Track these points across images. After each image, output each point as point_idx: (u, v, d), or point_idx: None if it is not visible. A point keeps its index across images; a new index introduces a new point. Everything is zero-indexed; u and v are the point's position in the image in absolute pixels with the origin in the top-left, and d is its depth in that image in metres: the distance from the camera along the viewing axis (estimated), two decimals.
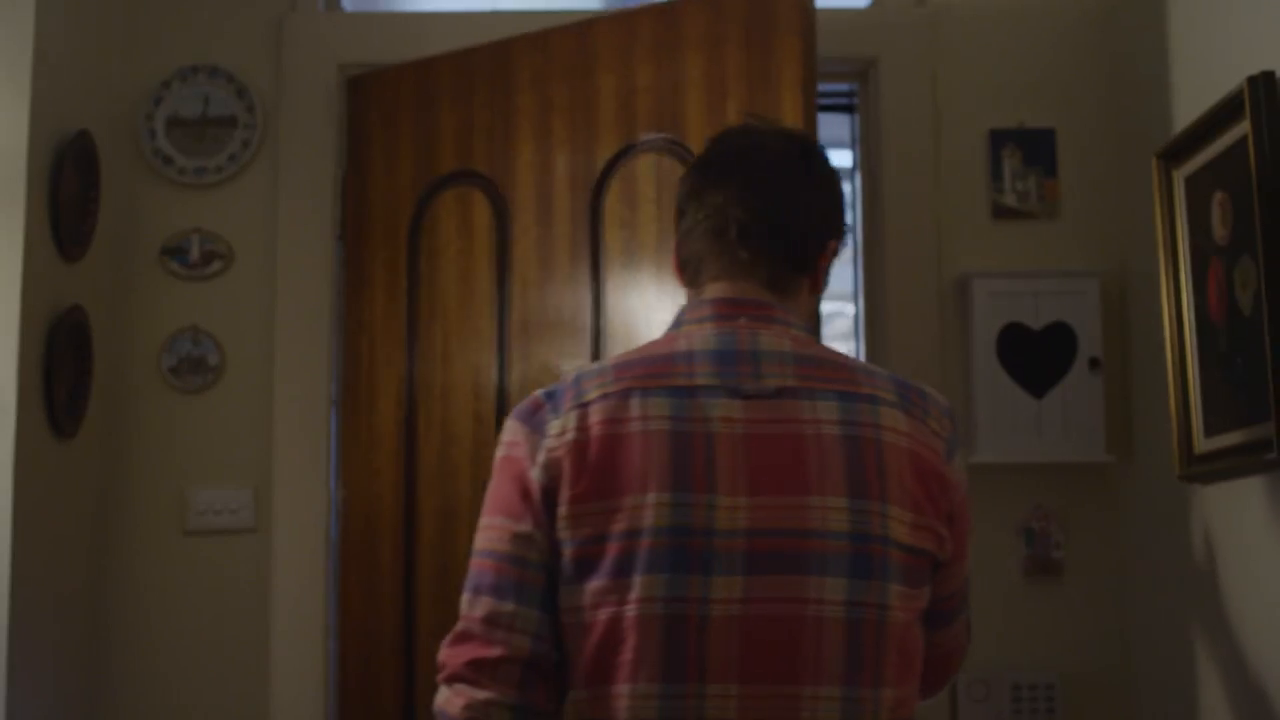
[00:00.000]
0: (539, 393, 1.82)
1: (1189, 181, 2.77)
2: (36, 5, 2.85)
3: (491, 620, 1.72)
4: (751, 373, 1.76)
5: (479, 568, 1.75)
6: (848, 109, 3.48)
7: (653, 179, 2.92)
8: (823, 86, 3.46)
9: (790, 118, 2.71)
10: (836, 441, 1.73)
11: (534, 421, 1.78)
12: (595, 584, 1.70)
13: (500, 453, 1.80)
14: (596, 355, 2.93)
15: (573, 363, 2.92)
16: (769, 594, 1.68)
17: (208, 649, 3.17)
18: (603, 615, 1.70)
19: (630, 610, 1.69)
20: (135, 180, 3.29)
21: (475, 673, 1.70)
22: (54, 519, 2.94)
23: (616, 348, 2.85)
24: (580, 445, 1.73)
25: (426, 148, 3.21)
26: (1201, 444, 2.74)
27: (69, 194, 2.96)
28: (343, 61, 3.34)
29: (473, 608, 1.74)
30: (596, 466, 1.72)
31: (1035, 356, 3.13)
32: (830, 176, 1.93)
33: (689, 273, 1.90)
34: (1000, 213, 3.23)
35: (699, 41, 2.90)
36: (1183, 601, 2.91)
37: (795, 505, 1.70)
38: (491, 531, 1.76)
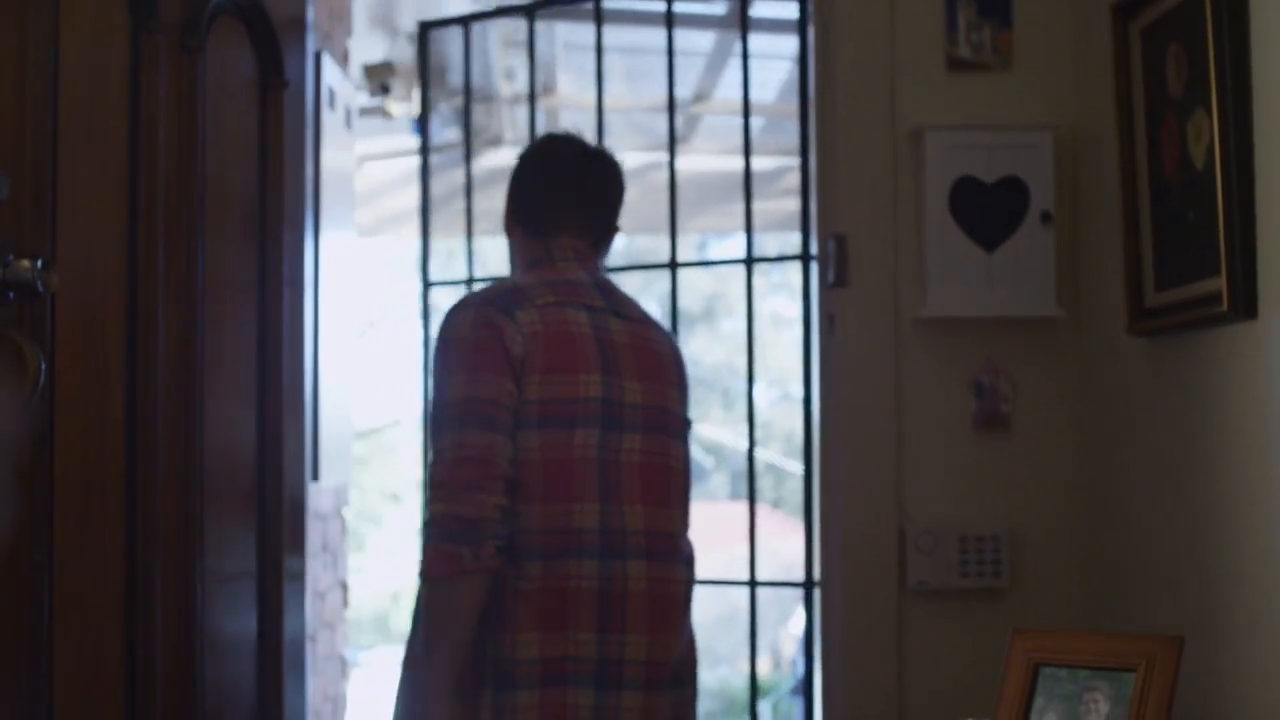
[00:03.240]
0: (488, 291, 2.62)
1: (1145, 34, 2.75)
2: None
3: (489, 447, 2.48)
4: (620, 302, 2.70)
5: (474, 411, 2.50)
6: None
7: None
8: None
9: None
10: (666, 353, 2.73)
11: (507, 310, 2.55)
12: (552, 432, 2.53)
13: (474, 330, 2.54)
14: None
15: None
16: (653, 448, 2.62)
17: None
18: (557, 455, 2.53)
19: (576, 453, 2.54)
20: None
21: (488, 483, 2.47)
22: None
23: None
24: (545, 335, 2.54)
25: None
26: (1152, 298, 2.75)
27: None
28: None
29: (473, 438, 2.49)
30: (557, 351, 2.55)
31: (987, 210, 3.12)
32: (622, 184, 2.82)
33: (539, 229, 2.74)
34: (954, 65, 3.20)
35: None
36: (1131, 456, 2.93)
37: (661, 392, 2.67)
38: (481, 387, 2.51)
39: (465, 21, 4.16)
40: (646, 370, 2.64)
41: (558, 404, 2.52)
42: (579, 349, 2.56)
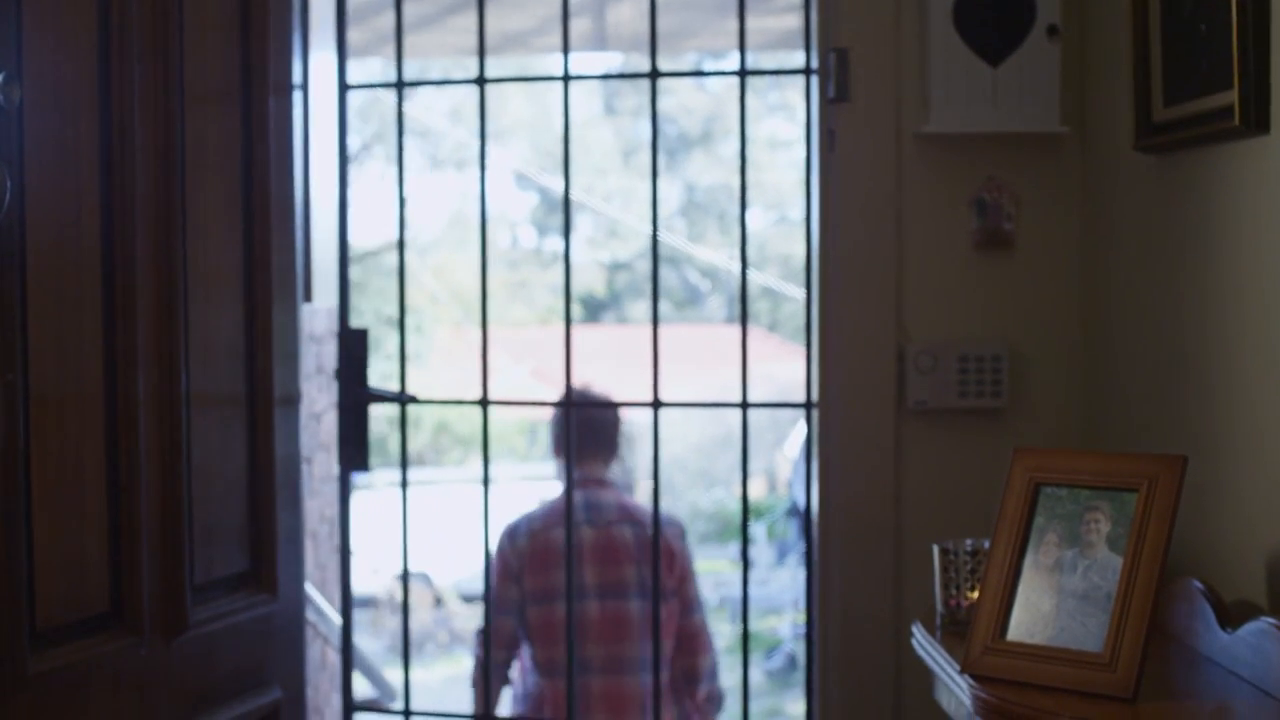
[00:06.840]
0: (510, 524, 4.34)
1: None
2: None
3: (496, 622, 4.28)
4: (599, 514, 4.30)
5: (496, 598, 4.24)
6: None
7: None
8: None
9: None
10: (627, 539, 4.29)
11: (513, 537, 4.30)
12: (540, 608, 4.25)
13: (497, 551, 4.29)
14: None
15: None
16: (607, 608, 4.26)
17: None
18: (545, 619, 4.24)
19: (555, 618, 4.21)
20: None
21: (496, 636, 4.32)
22: None
23: None
24: (530, 553, 4.27)
25: None
26: (1160, 113, 2.69)
27: None
28: None
29: (493, 613, 4.03)
30: (538, 561, 4.26)
31: (992, 23, 3.03)
32: (619, 421, 4.46)
33: (569, 456, 3.73)
34: None
35: None
36: (1135, 275, 2.89)
37: (617, 570, 4.27)
38: (496, 588, 4.25)
39: None
40: (602, 559, 4.27)
41: (540, 591, 4.26)
42: (550, 558, 4.23)
